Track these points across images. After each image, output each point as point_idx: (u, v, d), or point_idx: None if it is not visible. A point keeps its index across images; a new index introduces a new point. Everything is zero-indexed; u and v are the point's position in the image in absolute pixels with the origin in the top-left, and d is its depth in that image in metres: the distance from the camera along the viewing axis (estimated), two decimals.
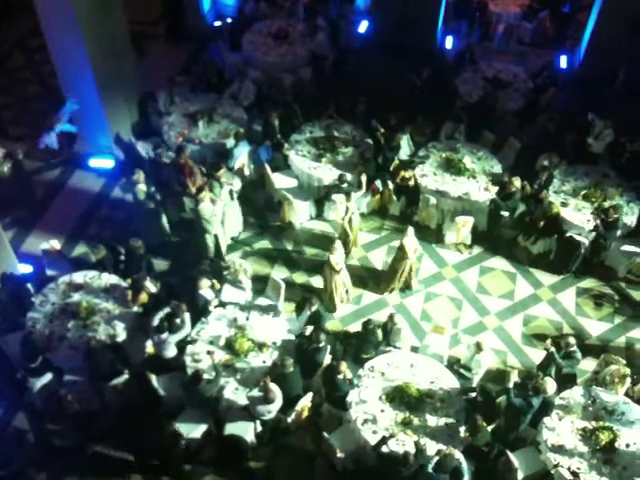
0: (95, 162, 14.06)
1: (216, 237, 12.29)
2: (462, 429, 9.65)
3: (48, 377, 10.32)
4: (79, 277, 11.33)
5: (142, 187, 12.15)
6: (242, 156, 13.33)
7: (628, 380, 10.18)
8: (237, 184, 12.91)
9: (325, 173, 13.25)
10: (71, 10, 11.93)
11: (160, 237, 12.73)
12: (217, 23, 17.85)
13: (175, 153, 12.85)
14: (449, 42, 17.07)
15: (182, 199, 12.91)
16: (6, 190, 13.06)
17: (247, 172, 13.41)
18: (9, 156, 12.94)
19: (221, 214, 12.20)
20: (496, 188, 12.61)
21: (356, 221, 12.44)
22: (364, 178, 12.61)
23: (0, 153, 12.83)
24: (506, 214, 12.58)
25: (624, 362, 10.49)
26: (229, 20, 17.61)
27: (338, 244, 11.55)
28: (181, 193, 12.76)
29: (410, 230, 11.69)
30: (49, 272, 11.66)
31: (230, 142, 13.56)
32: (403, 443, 9.41)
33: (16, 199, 13.48)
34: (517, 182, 12.37)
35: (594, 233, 12.18)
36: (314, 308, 10.77)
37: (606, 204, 12.38)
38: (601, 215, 12.02)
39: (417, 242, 11.91)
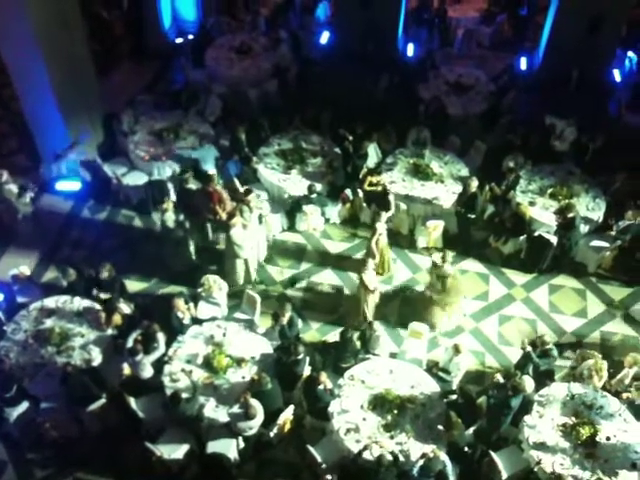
0: (62, 185, 13.90)
1: (246, 262, 12.16)
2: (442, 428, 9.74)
3: (24, 406, 10.14)
4: (51, 302, 11.18)
5: (171, 215, 12.05)
6: (209, 160, 13.30)
7: (605, 374, 10.31)
8: (266, 208, 12.91)
9: (295, 185, 13.27)
10: (30, 32, 11.88)
11: (187, 264, 12.56)
12: (179, 40, 17.83)
13: (203, 181, 12.70)
14: (410, 49, 17.25)
15: (205, 225, 12.83)
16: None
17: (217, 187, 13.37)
18: (24, 189, 12.84)
19: (252, 239, 12.08)
20: None
21: (383, 242, 12.12)
22: (392, 198, 12.46)
23: (14, 188, 12.69)
24: (473, 216, 12.72)
25: (600, 356, 10.63)
26: (190, 36, 17.62)
27: (371, 263, 11.36)
28: (209, 220, 12.69)
29: (448, 256, 11.45)
30: (20, 299, 11.46)
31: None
32: (385, 451, 9.40)
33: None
34: (474, 183, 12.49)
35: (558, 234, 12.36)
36: (288, 314, 10.73)
37: (572, 201, 12.56)
38: (558, 218, 12.21)
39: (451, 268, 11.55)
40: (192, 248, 12.60)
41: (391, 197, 12.65)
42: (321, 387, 9.84)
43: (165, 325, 10.69)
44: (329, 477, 9.09)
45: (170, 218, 12.07)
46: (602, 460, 9.42)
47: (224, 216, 12.35)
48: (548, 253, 12.47)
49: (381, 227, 11.94)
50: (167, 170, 13.58)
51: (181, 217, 12.29)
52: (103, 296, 11.20)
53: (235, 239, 11.70)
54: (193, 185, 12.78)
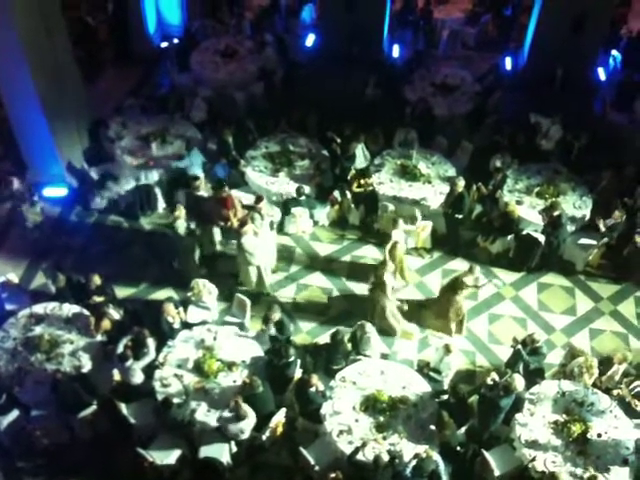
0: (49, 191, 13.85)
1: (259, 269, 12.09)
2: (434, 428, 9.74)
3: (14, 414, 10.06)
4: (40, 309, 11.11)
5: (182, 222, 11.95)
6: (197, 165, 13.31)
7: (596, 371, 10.35)
8: (277, 215, 12.88)
9: (283, 187, 13.26)
10: (14, 39, 11.79)
11: (195, 270, 12.43)
12: (164, 44, 17.80)
13: (215, 187, 12.65)
14: (396, 51, 17.30)
15: (212, 232, 12.74)
16: None
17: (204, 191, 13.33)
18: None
19: (264, 245, 12.00)
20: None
21: (400, 251, 11.92)
22: (418, 212, 12.37)
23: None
24: (461, 216, 12.76)
25: (590, 353, 10.68)
26: (175, 40, 17.59)
27: (390, 266, 11.21)
28: (219, 227, 12.65)
29: (476, 269, 11.38)
30: (8, 306, 11.38)
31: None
32: (379, 451, 9.41)
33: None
34: (461, 183, 12.52)
35: (546, 233, 12.40)
36: (277, 316, 10.71)
37: (557, 199, 12.62)
38: (544, 217, 12.27)
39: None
40: (197, 255, 12.51)
41: (417, 211, 12.58)
42: (313, 389, 9.84)
43: (155, 330, 10.64)
44: (333, 475, 9.03)
45: (182, 225, 11.97)
46: (594, 457, 9.46)
47: (235, 223, 12.30)
48: (536, 252, 12.53)
49: (396, 235, 11.82)
50: (154, 175, 13.54)
51: (192, 225, 12.22)
52: (98, 299, 11.11)
53: (247, 247, 11.63)
54: (204, 192, 12.74)
